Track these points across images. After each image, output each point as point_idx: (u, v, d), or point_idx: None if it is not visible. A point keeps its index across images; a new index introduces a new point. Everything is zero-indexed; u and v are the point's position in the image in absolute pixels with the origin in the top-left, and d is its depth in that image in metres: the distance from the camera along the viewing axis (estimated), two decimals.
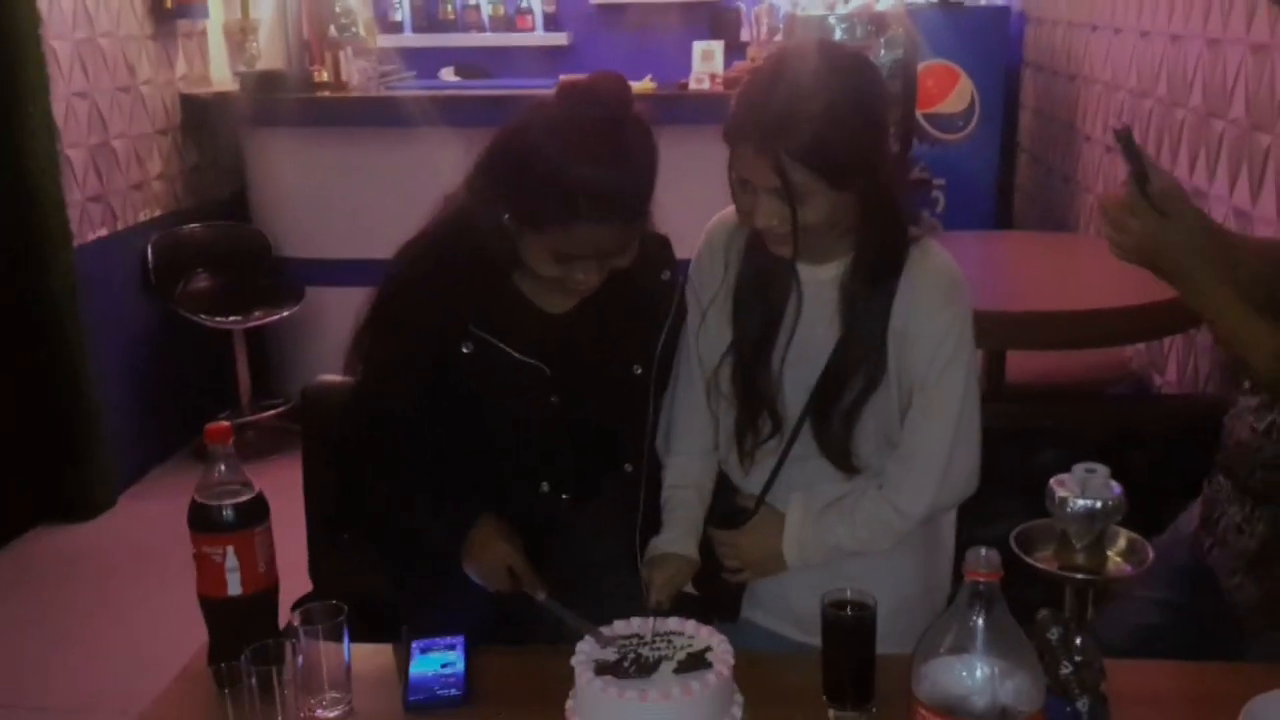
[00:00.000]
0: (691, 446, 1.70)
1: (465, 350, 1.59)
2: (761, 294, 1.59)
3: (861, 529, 1.57)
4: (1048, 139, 4.49)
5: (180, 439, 4.53)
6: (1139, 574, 1.14)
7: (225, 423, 1.46)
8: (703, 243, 1.67)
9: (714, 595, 1.67)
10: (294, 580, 1.63)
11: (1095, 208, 3.86)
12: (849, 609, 1.43)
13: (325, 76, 4.75)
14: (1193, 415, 2.10)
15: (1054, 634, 1.07)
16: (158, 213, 4.42)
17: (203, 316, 4.30)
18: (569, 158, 1.45)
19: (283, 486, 4.53)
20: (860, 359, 1.54)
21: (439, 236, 1.61)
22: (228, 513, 1.44)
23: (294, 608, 1.46)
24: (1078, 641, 1.09)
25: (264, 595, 1.47)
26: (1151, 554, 1.16)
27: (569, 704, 1.46)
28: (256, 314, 4.41)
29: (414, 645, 1.57)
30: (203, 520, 1.45)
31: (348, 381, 2.21)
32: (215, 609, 1.47)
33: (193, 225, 4.49)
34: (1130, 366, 3.27)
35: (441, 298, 1.57)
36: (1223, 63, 2.66)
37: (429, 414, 1.63)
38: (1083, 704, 1.05)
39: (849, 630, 1.43)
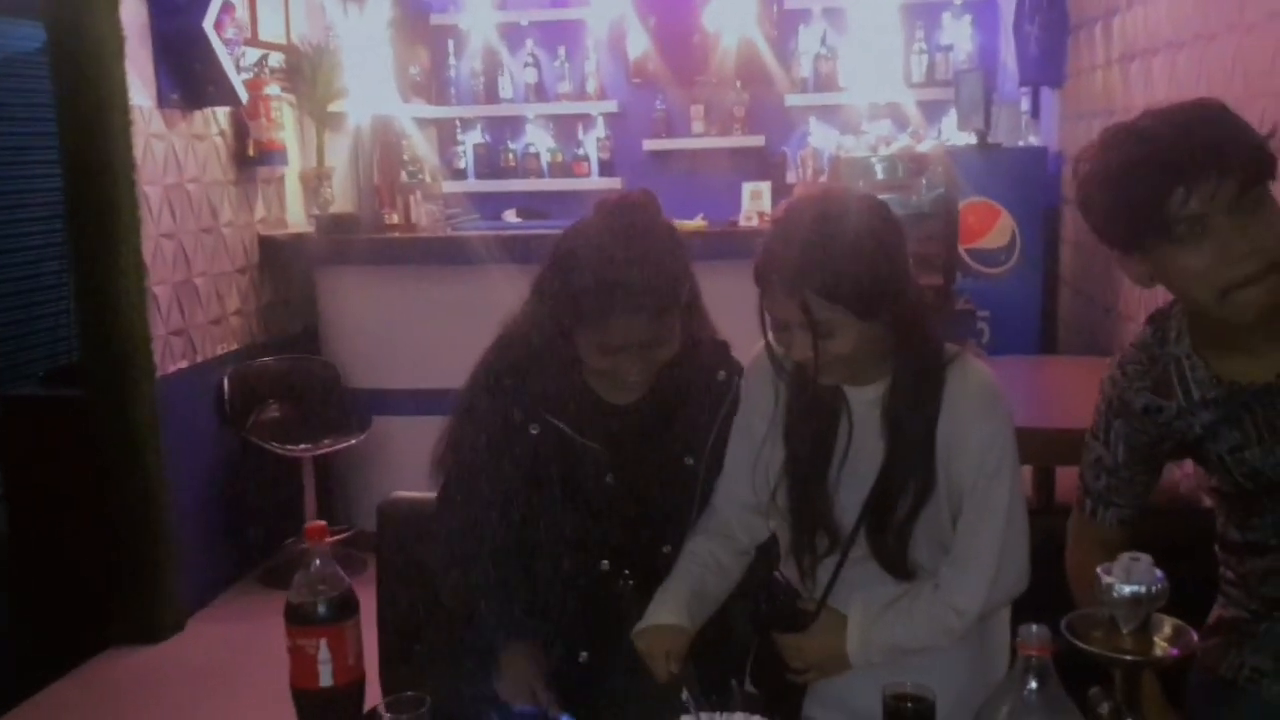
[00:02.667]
0: (712, 532, 1.82)
1: (533, 432, 1.77)
2: (811, 417, 1.72)
3: (921, 628, 1.65)
4: (1088, 272, 4.61)
5: (249, 564, 4.66)
6: (1184, 655, 1.21)
7: (322, 522, 1.57)
8: (750, 371, 1.81)
9: (776, 693, 1.73)
10: (368, 694, 1.71)
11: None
12: (909, 702, 1.50)
13: (396, 219, 5.00)
14: None
15: (1104, 709, 1.14)
16: (234, 346, 4.64)
17: (274, 444, 4.47)
18: (600, 256, 1.66)
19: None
20: (909, 473, 1.65)
21: (512, 339, 1.82)
22: (322, 607, 1.54)
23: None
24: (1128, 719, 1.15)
25: (353, 686, 1.56)
26: (1195, 637, 1.22)
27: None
28: (325, 442, 4.57)
29: None
30: (298, 614, 1.55)
31: (422, 497, 2.35)
32: (307, 700, 1.56)
33: (266, 358, 4.70)
34: (1179, 489, 3.31)
35: (513, 388, 1.78)
36: None
37: (505, 498, 1.80)
38: None
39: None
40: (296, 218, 5.18)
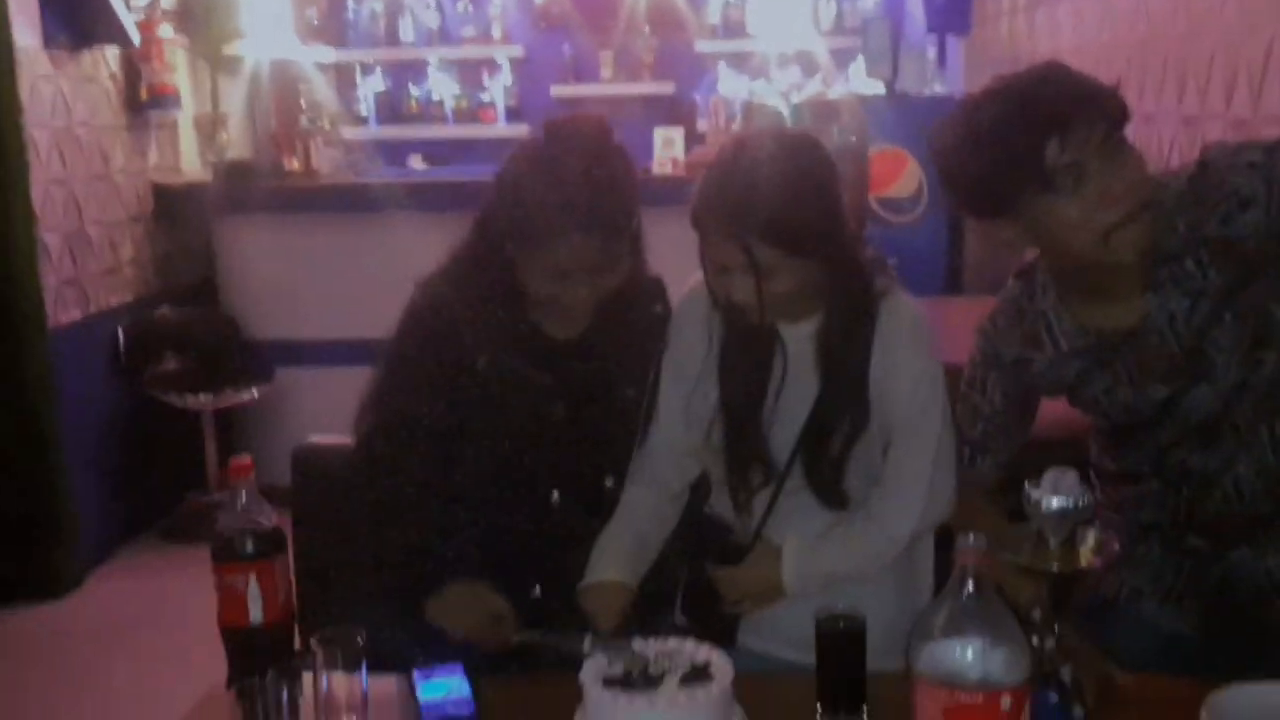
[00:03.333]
0: (647, 482, 1.82)
1: (480, 364, 1.73)
2: (746, 354, 1.73)
3: (854, 555, 1.69)
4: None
5: (149, 518, 4.54)
6: (1106, 564, 1.25)
7: (247, 458, 1.54)
8: (681, 312, 1.81)
9: (709, 626, 1.75)
10: None
11: None
12: (841, 622, 1.53)
13: (296, 166, 4.87)
14: None
15: (1036, 614, 1.18)
16: (129, 297, 4.49)
17: (172, 396, 4.35)
18: (548, 177, 1.64)
19: None
20: (843, 407, 1.68)
21: (454, 271, 1.78)
22: (250, 543, 1.51)
23: None
24: (1055, 627, 1.19)
25: (283, 624, 1.54)
26: (1117, 547, 1.27)
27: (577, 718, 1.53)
28: (226, 393, 4.46)
29: (415, 673, 1.64)
30: (226, 550, 1.52)
31: (338, 443, 2.30)
32: (237, 637, 1.53)
33: (162, 309, 4.55)
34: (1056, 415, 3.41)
35: (460, 319, 1.73)
36: (1201, 140, 2.86)
37: (444, 432, 1.75)
38: (1064, 671, 1.16)
39: (842, 642, 1.52)
40: (191, 165, 5.01)
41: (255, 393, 4.53)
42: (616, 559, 1.75)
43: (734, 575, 1.74)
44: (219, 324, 4.66)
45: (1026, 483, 1.28)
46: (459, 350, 1.73)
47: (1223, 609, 1.64)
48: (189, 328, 4.55)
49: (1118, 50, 3.17)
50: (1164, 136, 2.92)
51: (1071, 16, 3.61)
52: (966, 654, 1.11)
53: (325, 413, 4.85)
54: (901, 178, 4.80)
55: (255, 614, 1.51)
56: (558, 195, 1.61)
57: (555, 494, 1.78)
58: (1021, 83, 1.48)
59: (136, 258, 4.55)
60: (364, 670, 1.53)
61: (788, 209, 1.56)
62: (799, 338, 1.69)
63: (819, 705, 1.53)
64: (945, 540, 1.78)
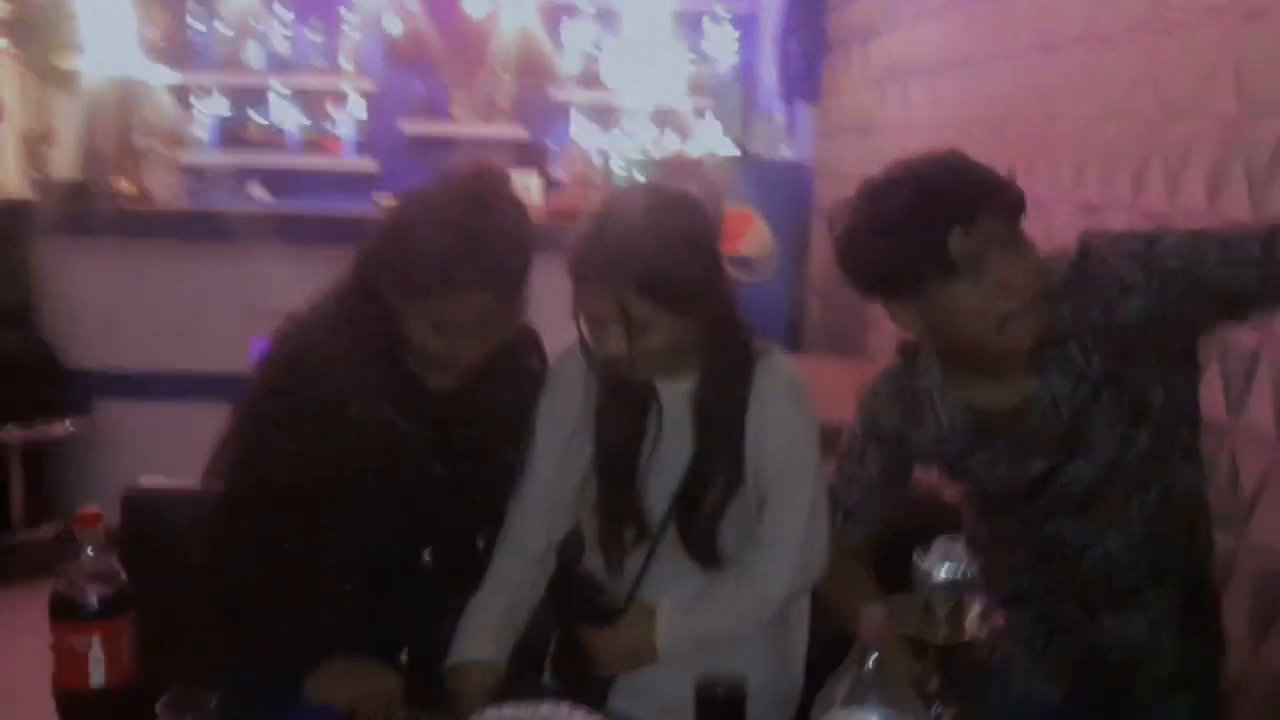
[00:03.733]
0: (517, 551, 1.76)
1: (353, 414, 1.61)
2: (622, 411, 1.70)
3: (730, 616, 1.67)
4: (841, 285, 4.84)
5: None
6: (992, 635, 1.27)
7: (95, 509, 1.42)
8: (559, 369, 1.77)
9: (580, 687, 1.70)
10: None
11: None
12: (720, 690, 1.51)
13: (128, 188, 4.64)
14: None
15: (933, 685, 1.18)
16: None
17: None
18: (445, 225, 1.55)
19: None
20: (718, 466, 1.66)
21: (327, 314, 1.65)
22: (94, 600, 1.39)
23: None
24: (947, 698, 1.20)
25: (127, 687, 1.42)
26: (1001, 620, 1.29)
27: None
28: (38, 424, 4.17)
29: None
30: (67, 608, 1.39)
31: (171, 485, 2.15)
32: (74, 702, 1.41)
33: None
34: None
35: (333, 366, 1.60)
36: (1046, 219, 2.99)
37: (305, 496, 1.62)
38: None
39: (722, 708, 1.50)
40: (10, 180, 4.70)
41: (69, 425, 4.25)
42: (485, 636, 1.69)
43: (607, 637, 1.70)
44: (33, 348, 4.35)
45: (915, 553, 1.30)
46: (331, 400, 1.61)
47: (1090, 675, 1.69)
48: (2, 354, 4.23)
49: (977, 126, 3.31)
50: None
51: (926, 92, 3.76)
52: None
53: (149, 450, 4.62)
54: (749, 236, 4.90)
55: (97, 677, 1.39)
56: (453, 246, 1.54)
57: (426, 553, 1.70)
58: (927, 170, 1.51)
59: None
60: None
61: (666, 264, 1.55)
62: (675, 395, 1.68)
63: None
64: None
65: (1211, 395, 1.91)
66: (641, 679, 1.72)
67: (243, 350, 4.74)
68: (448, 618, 1.72)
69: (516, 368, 1.75)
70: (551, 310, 1.71)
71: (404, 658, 1.70)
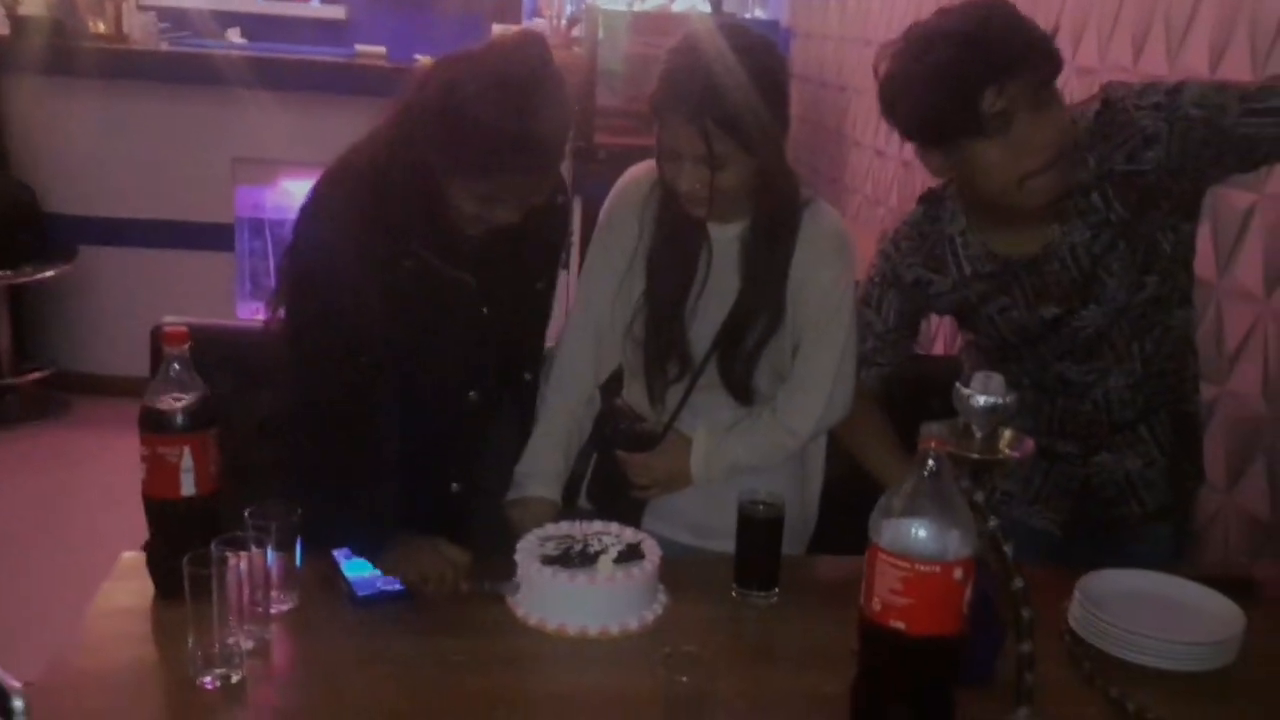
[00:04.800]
0: (571, 391, 1.87)
1: (407, 266, 1.64)
2: (676, 251, 1.78)
3: (759, 448, 1.79)
4: (816, 145, 4.91)
5: None
6: (1022, 458, 1.40)
7: (183, 327, 1.48)
8: (616, 199, 1.84)
9: (614, 510, 1.82)
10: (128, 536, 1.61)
11: (861, 205, 4.28)
12: (761, 508, 1.64)
13: (103, 28, 4.52)
14: None
15: (979, 498, 1.31)
16: None
17: None
18: (499, 114, 1.52)
19: (52, 453, 4.35)
20: (761, 307, 1.76)
21: (363, 170, 1.64)
22: (184, 415, 1.47)
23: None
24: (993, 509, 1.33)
25: (213, 497, 1.50)
26: (1031, 444, 1.42)
27: (507, 590, 1.58)
28: (26, 270, 4.16)
29: (335, 554, 1.64)
30: (158, 421, 1.47)
31: (199, 323, 2.19)
32: (165, 510, 1.49)
33: None
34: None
35: (379, 221, 1.62)
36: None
37: (367, 345, 1.64)
38: (1009, 548, 1.30)
39: (762, 525, 1.64)
40: None
41: (57, 270, 4.24)
42: (544, 475, 1.81)
43: (645, 461, 1.82)
44: (14, 192, 4.30)
45: (958, 381, 1.40)
46: (384, 253, 1.63)
47: (1084, 508, 1.84)
48: None
49: None
50: None
51: None
52: (922, 530, 1.23)
53: (126, 296, 4.64)
54: None
55: (187, 486, 1.48)
56: (506, 135, 1.52)
57: (473, 393, 1.77)
58: (970, 24, 1.54)
59: None
60: (300, 543, 1.54)
61: (749, 101, 1.59)
62: (726, 239, 1.76)
63: (735, 582, 1.65)
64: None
65: (1203, 251, 2.02)
66: (671, 504, 1.85)
67: (224, 199, 4.75)
68: (492, 446, 1.82)
69: (543, 205, 1.75)
70: None
71: (455, 488, 1.79)
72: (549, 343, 1.92)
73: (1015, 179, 1.58)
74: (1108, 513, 1.83)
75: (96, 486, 3.63)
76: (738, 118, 1.59)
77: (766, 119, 1.62)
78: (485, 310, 1.74)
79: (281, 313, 1.67)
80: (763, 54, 1.65)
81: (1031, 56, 1.54)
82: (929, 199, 1.79)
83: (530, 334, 1.87)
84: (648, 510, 1.86)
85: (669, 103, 1.63)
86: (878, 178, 4.13)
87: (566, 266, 2.27)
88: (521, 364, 1.86)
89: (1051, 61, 1.56)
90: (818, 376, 1.78)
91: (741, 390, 1.79)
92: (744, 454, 1.80)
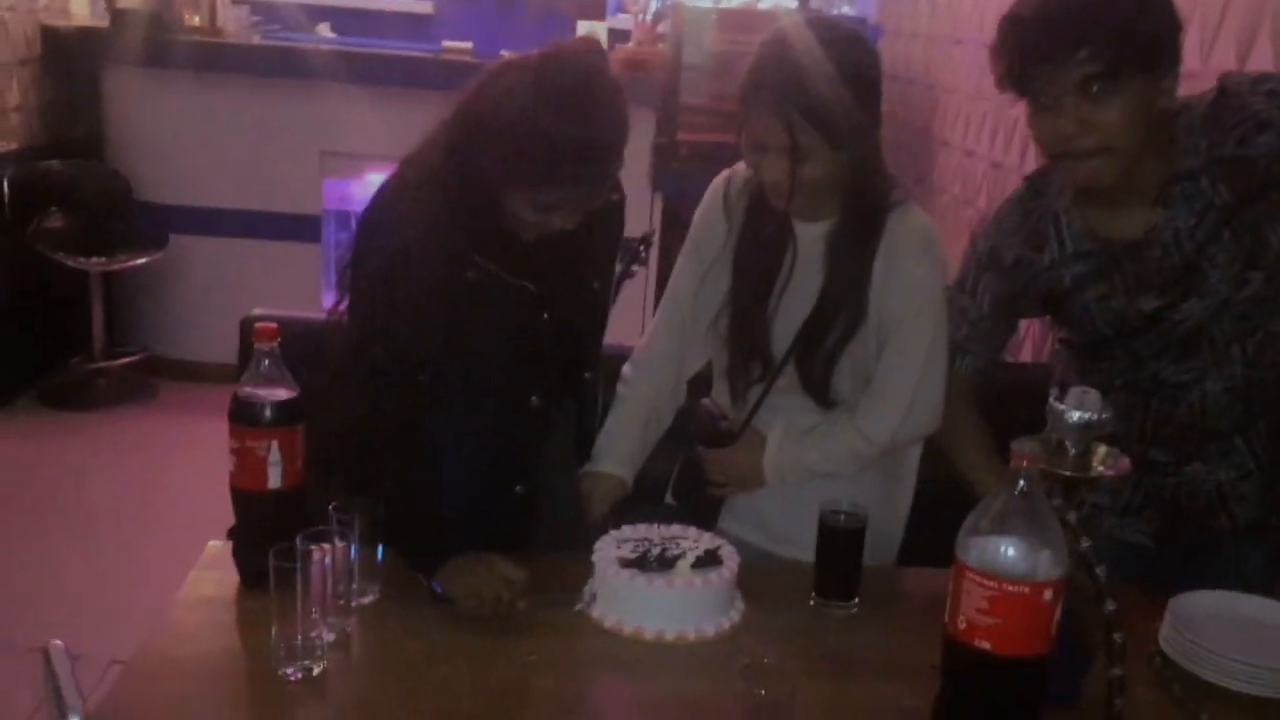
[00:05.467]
0: (653, 380, 1.88)
1: (470, 277, 1.62)
2: (761, 248, 1.77)
3: (832, 452, 1.77)
4: (902, 144, 4.84)
5: (27, 382, 4.35)
6: (1118, 475, 1.36)
7: (273, 324, 1.50)
8: (709, 198, 1.84)
9: (693, 508, 1.82)
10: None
11: (949, 206, 4.21)
12: (842, 518, 1.62)
13: (198, 21, 4.62)
14: None
15: (1071, 518, 1.27)
16: (13, 146, 4.21)
17: (61, 255, 4.14)
18: (555, 123, 1.49)
19: (141, 436, 4.45)
20: (842, 306, 1.73)
21: (420, 179, 1.62)
22: (273, 409, 1.49)
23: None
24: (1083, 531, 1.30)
25: (298, 491, 1.53)
26: (1127, 462, 1.38)
27: (584, 595, 1.58)
28: (120, 256, 4.27)
29: None
30: (247, 416, 1.49)
31: (286, 316, 2.20)
32: (251, 502, 1.52)
33: (50, 161, 4.30)
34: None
35: (440, 232, 1.60)
36: None
37: (432, 355, 1.64)
38: (1101, 571, 1.26)
39: (842, 536, 1.61)
40: (80, 8, 4.70)
41: (148, 258, 4.35)
42: (620, 454, 1.83)
43: (721, 457, 1.81)
44: (110, 182, 4.42)
45: (1051, 396, 1.37)
46: (446, 264, 1.61)
47: (1175, 521, 1.79)
48: (78, 183, 4.31)
49: None
50: None
51: None
52: (1012, 549, 1.20)
53: (215, 284, 4.74)
54: None
55: (274, 480, 1.50)
56: (557, 144, 1.49)
57: (535, 397, 1.75)
58: None
59: (23, 104, 4.26)
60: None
61: (835, 94, 1.58)
62: (812, 238, 1.74)
63: (814, 592, 1.63)
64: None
65: None
66: (748, 505, 1.84)
67: (312, 191, 4.83)
68: (553, 449, 1.82)
69: (600, 207, 1.72)
70: (627, 156, 1.63)
71: (519, 489, 1.77)
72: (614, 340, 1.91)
73: (1048, 154, 1.59)
74: (1198, 525, 1.78)
75: (184, 470, 3.71)
76: (823, 110, 1.58)
77: (854, 113, 1.60)
78: (546, 316, 1.72)
79: (343, 311, 1.66)
80: (853, 48, 1.63)
81: (1111, 46, 1.50)
82: (1035, 175, 1.77)
83: (588, 334, 1.86)
84: (725, 510, 1.85)
85: (756, 93, 1.63)
86: (967, 178, 4.06)
87: (644, 262, 2.27)
88: (581, 364, 1.85)
89: (1140, 55, 1.53)
90: (898, 384, 1.74)
91: (820, 392, 1.77)
92: (817, 458, 1.78)
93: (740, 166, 1.79)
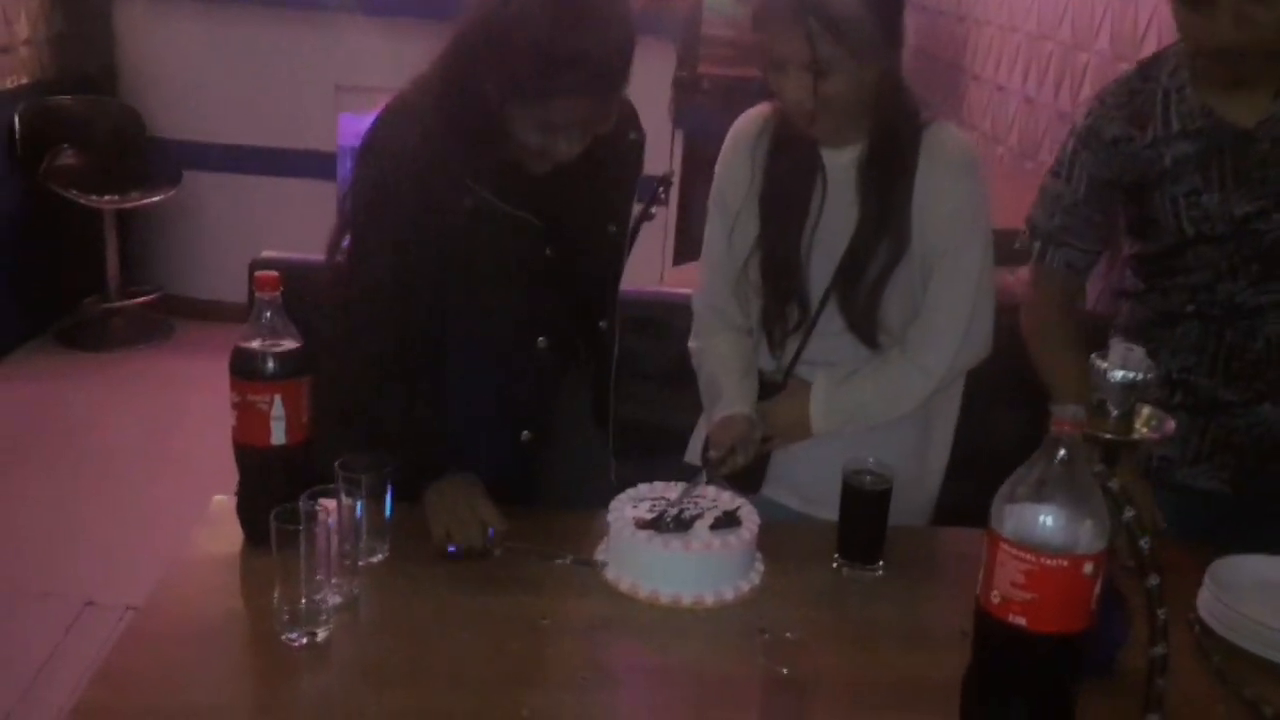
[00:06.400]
0: (730, 326, 1.79)
1: (467, 205, 1.58)
2: (790, 184, 1.68)
3: (886, 390, 1.67)
4: (931, 77, 4.69)
5: (42, 321, 4.32)
6: (1160, 439, 1.29)
7: (274, 273, 1.44)
8: (728, 145, 1.75)
9: (736, 471, 1.73)
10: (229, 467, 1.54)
11: (980, 143, 4.08)
12: (868, 478, 1.55)
13: None
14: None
15: (1114, 485, 1.20)
16: (24, 80, 4.14)
17: (74, 193, 4.08)
18: (551, 31, 1.45)
19: (158, 376, 4.43)
20: (882, 234, 1.64)
21: (422, 104, 1.57)
22: (275, 361, 1.43)
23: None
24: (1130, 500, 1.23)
25: (304, 446, 1.47)
26: (1172, 424, 1.30)
27: (599, 555, 1.53)
28: (134, 194, 4.21)
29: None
30: (249, 368, 1.43)
31: (296, 259, 2.15)
32: (254, 457, 1.47)
33: (61, 97, 4.22)
34: (1011, 291, 3.50)
35: (439, 158, 1.56)
36: (1134, 9, 2.87)
37: (427, 285, 1.60)
38: (1145, 542, 1.19)
39: (867, 498, 1.55)
40: None
41: (163, 196, 4.28)
42: (740, 394, 1.72)
43: (764, 408, 1.72)
44: (122, 118, 4.35)
45: (1094, 355, 1.29)
46: (435, 191, 1.56)
47: (1250, 464, 1.71)
48: (91, 120, 4.25)
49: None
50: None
51: None
52: (1050, 520, 1.13)
53: (230, 222, 4.68)
54: None
55: (278, 435, 1.44)
56: (555, 51, 1.44)
57: (542, 339, 1.69)
58: None
59: (32, 37, 4.18)
60: (390, 494, 1.50)
61: (856, 3, 1.51)
62: (841, 165, 1.65)
63: (837, 554, 1.57)
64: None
65: None
66: (782, 465, 1.76)
67: (328, 127, 4.74)
68: (562, 396, 1.76)
69: (615, 143, 1.68)
70: (638, 94, 1.64)
71: (525, 436, 1.72)
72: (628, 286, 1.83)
73: (1190, 48, 1.58)
74: (1273, 471, 1.70)
75: (200, 410, 3.65)
76: (843, 19, 1.50)
77: (875, 25, 1.52)
78: (549, 252, 1.65)
79: (340, 256, 1.62)
80: None
81: None
82: (1147, 61, 1.71)
83: (603, 278, 1.77)
84: (768, 478, 1.77)
85: (771, 6, 1.54)
86: (997, 114, 3.93)
87: (665, 201, 2.18)
88: (595, 311, 1.78)
89: None
90: (952, 310, 1.65)
91: (868, 329, 1.67)
92: (871, 399, 1.68)
93: (755, 110, 1.71)
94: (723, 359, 1.76)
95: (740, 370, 1.74)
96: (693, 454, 1.81)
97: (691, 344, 1.82)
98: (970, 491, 1.38)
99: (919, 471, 1.74)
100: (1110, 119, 1.68)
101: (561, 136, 1.53)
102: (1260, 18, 1.47)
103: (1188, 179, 1.63)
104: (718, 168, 1.76)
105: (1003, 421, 1.94)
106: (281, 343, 1.44)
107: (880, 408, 1.68)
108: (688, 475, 1.65)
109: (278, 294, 1.44)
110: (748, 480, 1.68)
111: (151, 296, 4.46)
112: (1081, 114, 1.73)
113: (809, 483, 1.74)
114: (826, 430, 1.69)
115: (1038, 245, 1.76)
